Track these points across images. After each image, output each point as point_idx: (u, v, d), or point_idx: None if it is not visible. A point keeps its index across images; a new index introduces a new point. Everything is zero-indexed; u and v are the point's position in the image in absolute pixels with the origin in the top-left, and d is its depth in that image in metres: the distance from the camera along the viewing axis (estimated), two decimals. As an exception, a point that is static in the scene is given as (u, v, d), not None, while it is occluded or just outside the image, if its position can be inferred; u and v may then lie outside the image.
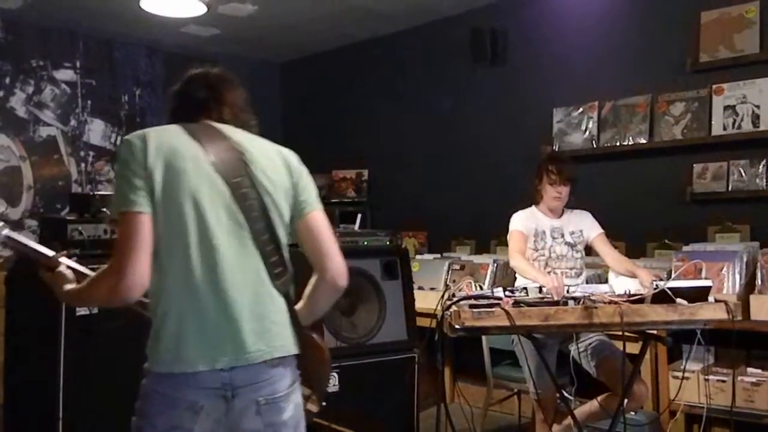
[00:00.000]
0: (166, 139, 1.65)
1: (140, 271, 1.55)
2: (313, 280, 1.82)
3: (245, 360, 1.62)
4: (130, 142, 1.64)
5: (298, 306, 1.81)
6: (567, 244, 3.35)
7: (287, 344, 1.71)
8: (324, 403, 1.90)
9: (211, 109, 1.80)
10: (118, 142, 5.72)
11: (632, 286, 2.86)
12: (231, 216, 1.65)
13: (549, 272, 3.25)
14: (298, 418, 1.74)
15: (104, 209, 2.95)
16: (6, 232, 1.85)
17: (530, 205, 3.44)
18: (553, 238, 3.34)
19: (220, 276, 1.61)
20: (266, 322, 1.66)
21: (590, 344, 3.17)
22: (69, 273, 1.80)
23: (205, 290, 1.60)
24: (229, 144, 1.72)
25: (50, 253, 1.83)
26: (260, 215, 1.68)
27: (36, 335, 3.00)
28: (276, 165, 1.77)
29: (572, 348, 3.22)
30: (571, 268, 3.33)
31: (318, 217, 1.81)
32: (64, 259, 1.82)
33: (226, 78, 1.88)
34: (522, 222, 3.36)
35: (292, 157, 1.83)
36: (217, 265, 1.61)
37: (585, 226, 3.39)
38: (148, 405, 1.60)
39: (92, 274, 1.71)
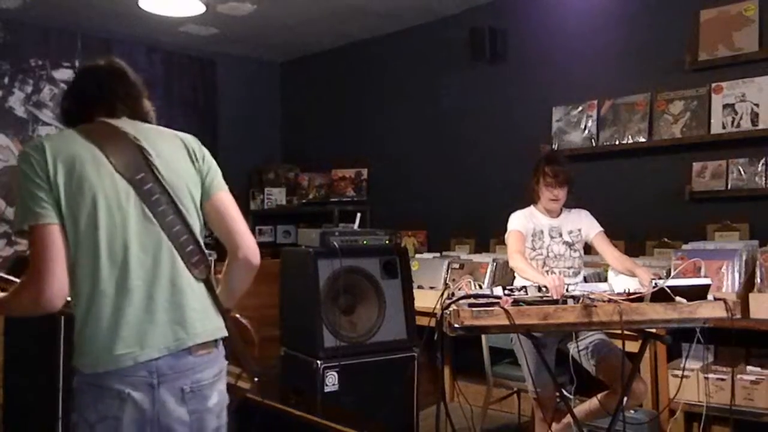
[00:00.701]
0: (64, 147, 1.66)
1: (58, 282, 1.59)
2: (226, 263, 1.85)
3: (166, 350, 1.65)
4: (27, 154, 1.64)
5: (218, 289, 1.82)
6: (565, 243, 3.35)
7: (209, 330, 1.74)
8: (256, 379, 1.94)
9: (102, 105, 1.78)
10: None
11: (631, 284, 2.86)
12: (139, 214, 1.67)
13: (547, 271, 3.25)
14: (222, 404, 1.78)
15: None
16: None
17: (528, 205, 3.44)
18: (551, 237, 3.34)
19: (133, 274, 1.64)
20: (186, 311, 1.69)
21: (590, 343, 3.17)
22: None
23: (119, 290, 1.63)
24: (129, 141, 1.72)
25: None
26: (169, 208, 1.70)
27: (35, 336, 3.00)
28: (178, 154, 1.78)
29: (571, 347, 3.22)
30: (569, 268, 3.33)
31: (224, 198, 1.83)
32: None
33: (117, 70, 1.85)
34: (520, 222, 3.35)
35: (193, 142, 1.84)
36: (129, 264, 1.64)
37: (584, 225, 3.39)
38: (80, 399, 1.64)
39: (16, 281, 1.75)
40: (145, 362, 1.62)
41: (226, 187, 1.85)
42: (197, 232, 1.76)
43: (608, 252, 3.32)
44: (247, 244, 1.82)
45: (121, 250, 1.64)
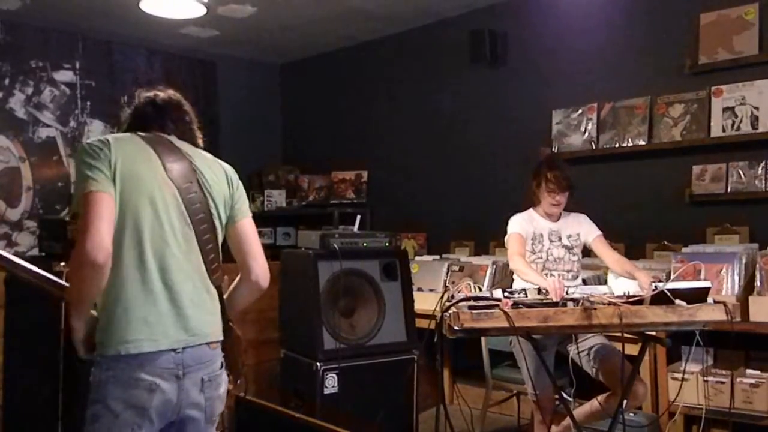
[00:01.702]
0: (126, 146, 1.83)
1: (102, 235, 1.68)
2: (237, 280, 2.04)
3: (189, 341, 1.81)
4: (93, 145, 1.79)
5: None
6: (564, 247, 3.35)
7: (218, 331, 1.92)
8: (239, 381, 2.13)
9: (157, 123, 1.98)
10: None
11: (631, 287, 2.86)
12: (180, 217, 1.85)
13: (546, 275, 3.25)
14: (226, 392, 1.98)
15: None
16: None
17: (527, 207, 3.43)
18: (551, 241, 3.34)
19: (169, 269, 1.80)
20: (202, 311, 1.87)
21: (590, 345, 3.17)
22: None
23: (155, 281, 1.78)
24: (181, 154, 1.92)
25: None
26: (204, 218, 1.90)
27: (35, 336, 2.99)
28: (218, 176, 1.98)
29: (571, 349, 3.22)
30: (567, 271, 3.33)
31: (248, 224, 2.04)
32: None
33: (173, 100, 2.04)
34: (520, 225, 3.35)
35: (230, 170, 2.05)
36: (166, 259, 1.80)
37: (583, 229, 3.39)
38: (103, 391, 1.72)
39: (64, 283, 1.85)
40: (173, 351, 1.76)
41: (250, 215, 2.06)
42: (220, 244, 1.95)
43: (607, 255, 3.32)
44: (261, 270, 2.01)
45: (161, 246, 1.79)
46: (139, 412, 1.71)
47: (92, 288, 1.71)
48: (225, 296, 1.99)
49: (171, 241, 1.81)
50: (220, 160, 2.05)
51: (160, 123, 1.97)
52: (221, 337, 1.93)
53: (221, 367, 1.93)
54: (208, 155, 2.03)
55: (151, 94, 2.03)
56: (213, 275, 1.90)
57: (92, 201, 1.70)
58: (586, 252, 3.48)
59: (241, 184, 2.06)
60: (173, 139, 1.96)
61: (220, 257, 1.94)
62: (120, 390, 1.70)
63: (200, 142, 2.06)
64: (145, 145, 1.86)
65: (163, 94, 2.03)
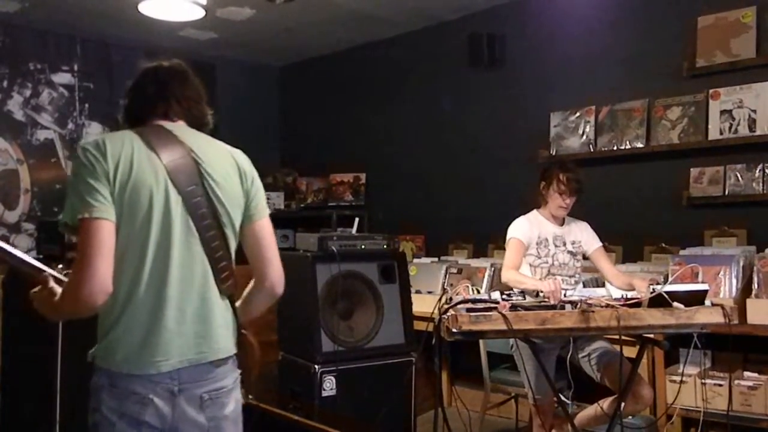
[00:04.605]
0: (123, 148, 1.66)
1: (102, 277, 1.56)
2: (251, 285, 1.89)
3: (188, 362, 1.69)
4: (89, 150, 1.64)
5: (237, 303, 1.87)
6: (569, 252, 3.33)
7: (228, 346, 1.79)
8: (250, 397, 2.04)
9: (159, 105, 1.80)
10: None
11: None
12: (184, 225, 1.70)
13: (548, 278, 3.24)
14: (239, 412, 1.83)
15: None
16: None
17: (531, 209, 3.41)
18: (556, 245, 3.32)
19: (170, 284, 1.67)
20: (211, 326, 1.74)
21: (593, 350, 3.15)
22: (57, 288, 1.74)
23: (156, 298, 1.66)
24: (184, 150, 1.74)
25: (43, 267, 1.75)
26: (212, 223, 1.73)
27: (34, 338, 2.99)
28: (229, 172, 1.80)
29: (579, 354, 3.18)
30: (570, 276, 3.32)
31: (265, 225, 1.87)
32: (52, 272, 1.75)
33: (177, 71, 1.87)
34: (523, 230, 3.30)
35: (244, 161, 1.86)
36: (168, 274, 1.67)
37: (584, 238, 3.37)
38: (100, 398, 1.65)
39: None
40: (168, 371, 1.66)
41: (267, 213, 1.89)
42: (233, 250, 1.80)
43: (606, 268, 3.32)
44: (276, 275, 1.87)
45: (164, 259, 1.66)
46: (132, 423, 1.64)
47: (83, 316, 1.63)
48: (238, 303, 1.85)
49: (174, 253, 1.67)
50: (231, 149, 1.86)
51: (164, 106, 1.79)
52: (232, 352, 1.80)
53: (233, 382, 1.80)
54: (218, 144, 1.84)
55: (153, 65, 1.86)
56: (223, 284, 1.76)
57: (92, 231, 1.57)
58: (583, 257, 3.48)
59: (256, 176, 1.86)
60: (178, 128, 1.78)
61: (233, 264, 1.79)
62: (113, 400, 1.64)
63: (209, 119, 1.89)
64: (143, 147, 1.68)
65: (168, 64, 1.86)
